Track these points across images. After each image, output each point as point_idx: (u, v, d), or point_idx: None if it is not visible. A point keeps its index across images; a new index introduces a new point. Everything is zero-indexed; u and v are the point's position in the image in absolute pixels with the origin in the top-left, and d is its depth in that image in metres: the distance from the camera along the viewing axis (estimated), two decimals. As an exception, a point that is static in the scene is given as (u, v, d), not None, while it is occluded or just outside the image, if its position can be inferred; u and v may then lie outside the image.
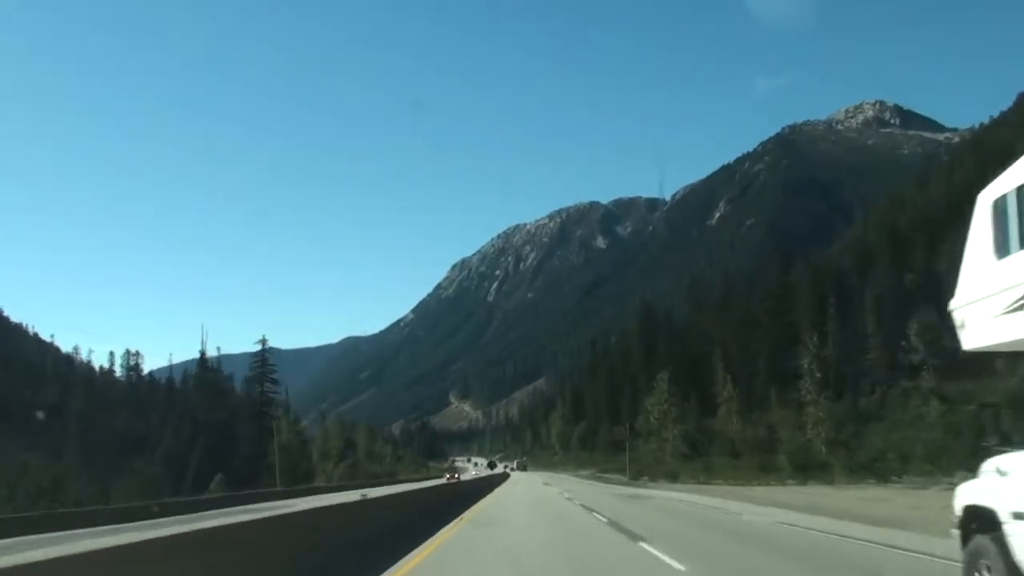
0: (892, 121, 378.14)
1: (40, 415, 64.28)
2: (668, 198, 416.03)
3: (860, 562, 10.77)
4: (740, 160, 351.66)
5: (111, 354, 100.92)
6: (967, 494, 6.48)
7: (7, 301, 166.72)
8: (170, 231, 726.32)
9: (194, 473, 59.98)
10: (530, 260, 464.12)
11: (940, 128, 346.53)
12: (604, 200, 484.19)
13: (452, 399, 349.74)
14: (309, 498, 34.94)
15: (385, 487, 44.38)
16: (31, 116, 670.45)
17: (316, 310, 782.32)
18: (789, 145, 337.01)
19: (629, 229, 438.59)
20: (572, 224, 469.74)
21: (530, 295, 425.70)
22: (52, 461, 55.88)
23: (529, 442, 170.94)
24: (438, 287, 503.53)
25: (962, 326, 6.59)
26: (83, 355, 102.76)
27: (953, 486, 7.20)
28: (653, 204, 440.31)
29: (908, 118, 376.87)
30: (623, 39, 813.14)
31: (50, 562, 4.53)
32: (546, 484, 52.10)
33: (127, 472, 54.20)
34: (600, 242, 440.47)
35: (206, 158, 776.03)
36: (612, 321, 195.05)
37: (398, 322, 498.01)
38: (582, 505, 25.85)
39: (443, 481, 56.76)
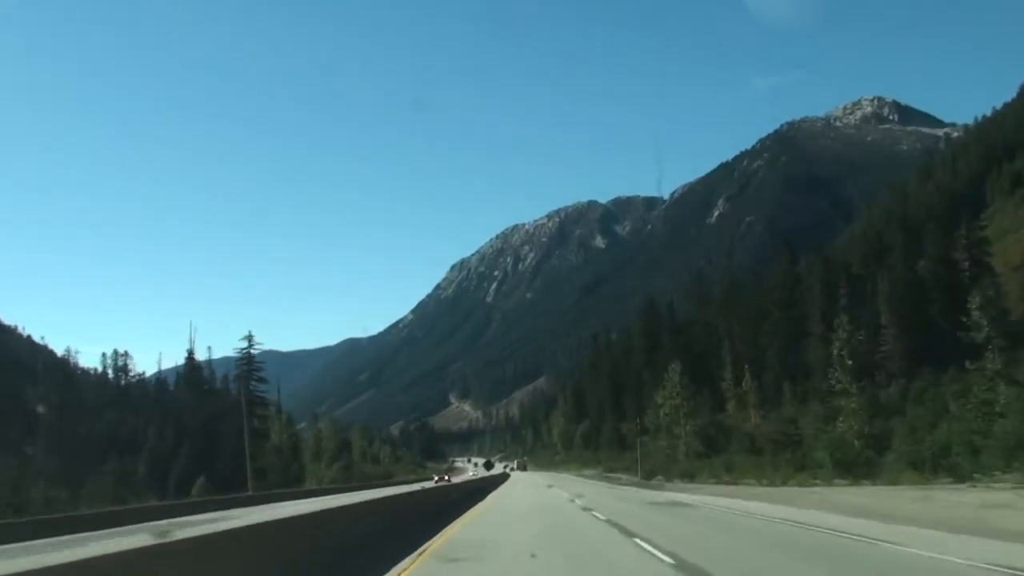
0: (890, 117, 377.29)
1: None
2: (667, 197, 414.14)
3: None
4: (739, 158, 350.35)
5: (103, 355, 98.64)
6: None
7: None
8: (168, 232, 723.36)
9: (178, 475, 57.56)
10: (529, 260, 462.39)
11: (939, 123, 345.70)
12: (603, 199, 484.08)
13: (452, 399, 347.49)
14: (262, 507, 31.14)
15: (345, 494, 39.84)
16: (31, 116, 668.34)
17: (315, 312, 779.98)
18: (788, 142, 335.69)
19: (628, 228, 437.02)
20: (571, 224, 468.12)
21: (529, 295, 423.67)
22: (22, 461, 53.25)
23: (530, 441, 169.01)
24: (437, 288, 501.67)
25: None
26: (76, 358, 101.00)
27: None
28: (652, 203, 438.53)
29: (906, 114, 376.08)
30: (622, 38, 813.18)
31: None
32: (550, 486, 46.09)
33: (102, 474, 51.60)
34: (599, 241, 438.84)
35: (204, 158, 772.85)
36: (612, 320, 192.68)
37: (397, 323, 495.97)
38: (608, 520, 18.16)
39: (431, 484, 49.56)
